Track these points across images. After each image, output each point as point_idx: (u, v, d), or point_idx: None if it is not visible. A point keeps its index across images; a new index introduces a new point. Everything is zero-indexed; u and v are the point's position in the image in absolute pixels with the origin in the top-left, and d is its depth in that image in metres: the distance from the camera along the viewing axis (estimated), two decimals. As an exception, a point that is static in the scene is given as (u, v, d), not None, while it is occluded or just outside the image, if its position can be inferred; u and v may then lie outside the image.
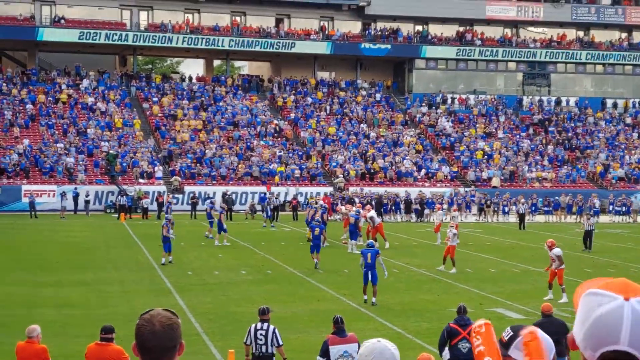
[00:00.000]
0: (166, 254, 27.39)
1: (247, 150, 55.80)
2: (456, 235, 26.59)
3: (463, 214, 49.16)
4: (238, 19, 65.75)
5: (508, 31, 69.91)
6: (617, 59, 69.50)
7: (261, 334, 12.11)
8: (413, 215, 48.28)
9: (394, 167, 55.78)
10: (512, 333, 2.95)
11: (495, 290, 23.08)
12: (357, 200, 44.79)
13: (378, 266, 20.68)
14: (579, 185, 56.69)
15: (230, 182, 51.91)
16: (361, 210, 33.71)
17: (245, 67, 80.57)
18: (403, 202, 48.46)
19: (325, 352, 11.42)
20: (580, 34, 71.12)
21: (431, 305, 20.62)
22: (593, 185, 57.19)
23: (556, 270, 21.59)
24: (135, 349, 3.00)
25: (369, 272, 20.50)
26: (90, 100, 58.39)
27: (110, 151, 51.81)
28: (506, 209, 49.25)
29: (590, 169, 59.30)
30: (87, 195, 47.85)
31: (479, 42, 67.70)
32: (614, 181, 57.55)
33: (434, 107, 65.29)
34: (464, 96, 66.63)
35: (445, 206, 48.31)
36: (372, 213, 33.97)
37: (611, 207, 50.62)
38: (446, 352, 12.53)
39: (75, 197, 47.33)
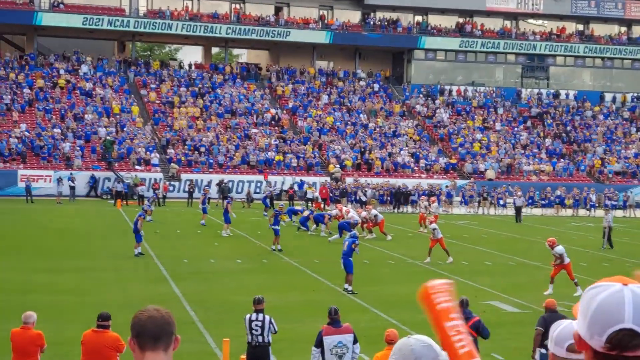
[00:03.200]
0: (138, 245, 26.16)
1: (244, 139, 55.69)
2: (436, 229, 26.72)
3: (455, 206, 49.20)
4: (237, 6, 65.53)
5: (508, 23, 69.78)
6: (616, 53, 69.40)
7: (257, 325, 12.07)
8: (409, 207, 48.35)
9: (391, 158, 55.71)
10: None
11: (491, 283, 23.07)
12: (363, 197, 45.44)
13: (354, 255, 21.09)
14: (576, 179, 56.70)
15: (227, 171, 51.83)
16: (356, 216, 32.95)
17: (244, 55, 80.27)
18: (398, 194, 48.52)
19: (319, 343, 11.38)
20: (580, 27, 71.01)
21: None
22: (590, 179, 57.19)
23: (560, 267, 21.53)
24: (132, 341, 2.92)
25: (343, 261, 20.84)
26: (88, 85, 58.20)
27: (107, 137, 51.69)
28: (502, 202, 49.26)
29: (587, 162, 59.28)
30: (73, 181, 46.78)
31: (478, 34, 67.57)
32: (610, 175, 57.56)
33: (431, 99, 65.21)
34: (462, 88, 66.53)
35: (443, 198, 48.46)
36: (375, 211, 34.99)
37: (607, 201, 50.60)
38: None
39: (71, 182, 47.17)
